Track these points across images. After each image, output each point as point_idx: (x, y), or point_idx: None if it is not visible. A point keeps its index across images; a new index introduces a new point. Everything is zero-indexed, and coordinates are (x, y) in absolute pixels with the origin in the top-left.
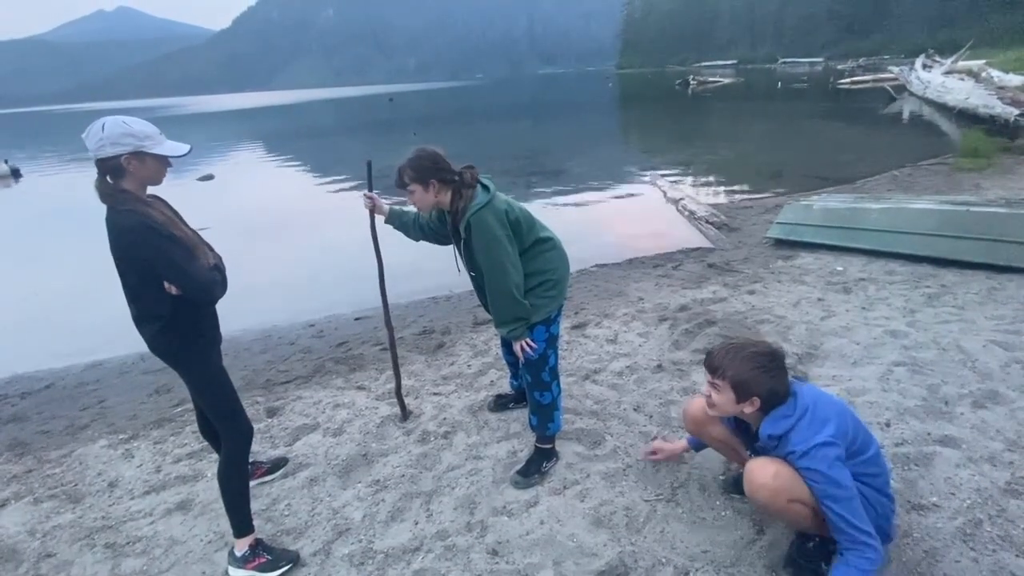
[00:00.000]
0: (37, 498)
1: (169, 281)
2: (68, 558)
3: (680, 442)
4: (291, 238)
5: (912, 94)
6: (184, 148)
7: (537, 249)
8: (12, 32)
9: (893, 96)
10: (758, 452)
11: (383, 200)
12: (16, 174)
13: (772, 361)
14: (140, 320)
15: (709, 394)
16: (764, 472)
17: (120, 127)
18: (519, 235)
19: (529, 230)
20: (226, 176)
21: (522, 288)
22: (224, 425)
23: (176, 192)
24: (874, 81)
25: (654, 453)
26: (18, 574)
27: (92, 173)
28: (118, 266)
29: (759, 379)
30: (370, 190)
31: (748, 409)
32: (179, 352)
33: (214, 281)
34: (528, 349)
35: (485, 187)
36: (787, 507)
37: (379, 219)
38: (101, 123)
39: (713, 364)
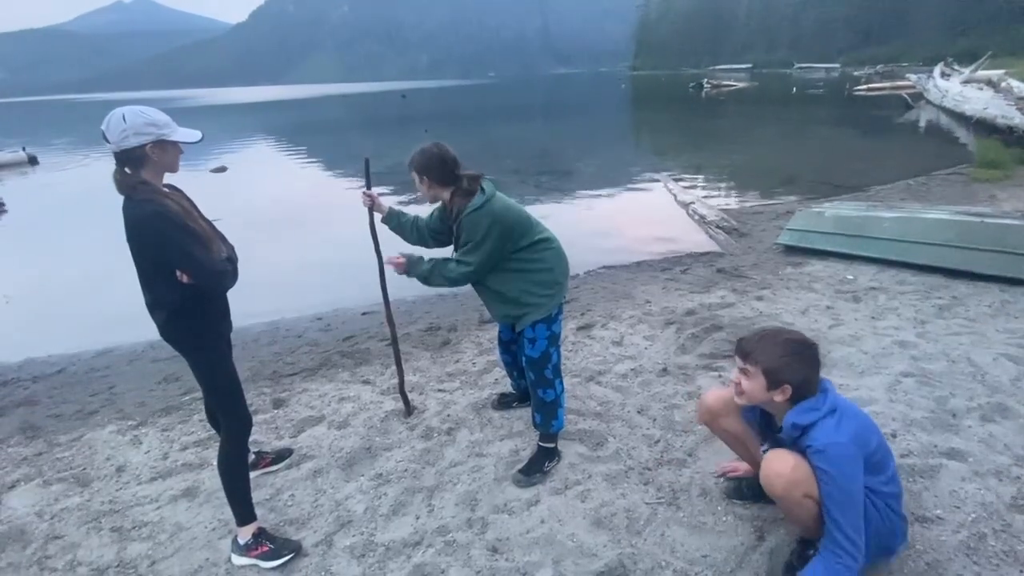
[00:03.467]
0: (46, 480)
1: (180, 269)
2: (75, 540)
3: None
4: (301, 231)
5: (929, 103)
6: (197, 135)
7: (536, 248)
8: (34, 21)
9: (910, 104)
10: (776, 445)
11: (382, 198)
12: (34, 161)
13: (807, 349)
14: (153, 307)
15: (739, 381)
16: (784, 462)
17: (141, 116)
18: (517, 236)
19: (528, 231)
20: (239, 168)
21: (467, 281)
22: (225, 414)
23: (189, 183)
24: (891, 88)
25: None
26: (26, 555)
27: (108, 160)
28: (133, 254)
29: (793, 366)
30: (368, 188)
31: (779, 398)
32: (188, 339)
33: (224, 271)
34: (393, 266)
35: (483, 190)
36: (800, 501)
37: (377, 217)
38: (120, 114)
39: (745, 349)
